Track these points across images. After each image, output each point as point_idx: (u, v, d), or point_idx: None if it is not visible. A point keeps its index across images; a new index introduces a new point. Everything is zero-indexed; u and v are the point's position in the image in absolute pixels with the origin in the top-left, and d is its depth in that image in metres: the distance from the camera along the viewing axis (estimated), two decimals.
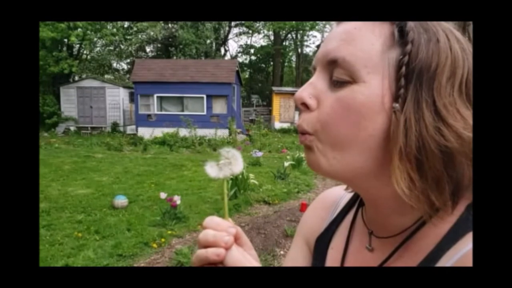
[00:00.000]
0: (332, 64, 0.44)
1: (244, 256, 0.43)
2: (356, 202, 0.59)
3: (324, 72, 0.46)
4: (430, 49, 0.40)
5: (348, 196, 0.61)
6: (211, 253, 0.41)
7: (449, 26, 0.42)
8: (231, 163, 0.46)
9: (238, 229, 0.44)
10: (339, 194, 0.64)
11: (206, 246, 0.42)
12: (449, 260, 0.41)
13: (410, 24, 0.41)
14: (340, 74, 0.43)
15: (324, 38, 0.48)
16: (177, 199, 4.79)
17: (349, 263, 0.54)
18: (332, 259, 0.56)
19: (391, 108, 0.41)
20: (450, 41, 0.41)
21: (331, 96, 0.44)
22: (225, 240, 0.41)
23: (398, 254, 0.47)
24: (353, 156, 0.43)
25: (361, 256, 0.52)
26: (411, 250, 0.45)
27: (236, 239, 0.44)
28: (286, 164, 7.48)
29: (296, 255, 0.65)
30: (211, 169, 0.46)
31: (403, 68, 0.40)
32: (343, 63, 0.42)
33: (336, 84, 0.44)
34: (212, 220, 0.43)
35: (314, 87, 0.46)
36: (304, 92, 0.46)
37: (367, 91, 0.41)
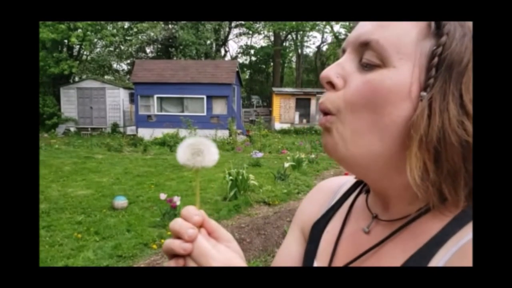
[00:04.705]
0: (363, 46, 0.44)
1: (218, 249, 0.41)
2: (355, 190, 0.59)
3: (354, 54, 0.46)
4: (464, 44, 0.40)
5: (347, 185, 0.61)
6: (177, 246, 0.40)
7: None
8: (203, 153, 0.43)
9: (213, 222, 0.43)
10: (339, 183, 0.64)
11: (175, 235, 0.41)
12: (456, 244, 0.40)
13: None
14: (371, 57, 0.43)
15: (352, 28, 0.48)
16: (177, 200, 4.78)
17: (342, 245, 0.54)
18: (326, 242, 0.56)
19: (418, 96, 0.41)
20: None
21: (359, 77, 0.44)
22: (189, 233, 0.39)
23: (396, 236, 0.46)
24: (372, 141, 0.43)
25: (356, 238, 0.52)
26: (412, 232, 0.45)
27: (211, 233, 0.42)
28: (286, 165, 7.48)
29: (290, 242, 0.65)
30: (182, 154, 0.43)
31: (436, 59, 0.40)
32: (376, 45, 0.43)
33: (366, 67, 0.44)
34: (184, 210, 0.42)
35: (342, 67, 0.46)
36: (331, 71, 0.46)
37: (396, 77, 0.42)
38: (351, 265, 0.49)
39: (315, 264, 0.56)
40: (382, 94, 0.42)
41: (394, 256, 0.45)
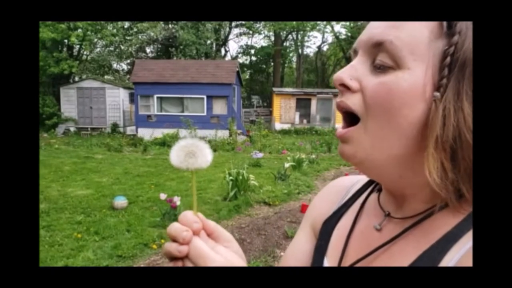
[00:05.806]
0: (376, 47, 0.44)
1: (217, 250, 0.41)
2: (367, 188, 0.59)
3: (367, 56, 0.46)
4: None
5: (359, 184, 0.62)
6: (174, 249, 0.40)
7: None
8: (196, 155, 0.42)
9: (211, 223, 0.43)
10: (351, 181, 0.64)
11: (171, 239, 0.41)
12: (470, 240, 0.40)
13: None
14: (384, 58, 0.43)
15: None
16: (177, 200, 4.78)
17: (353, 242, 0.54)
18: (337, 238, 0.56)
19: (432, 97, 0.41)
20: None
21: (373, 80, 0.44)
22: (183, 236, 0.40)
23: (409, 233, 0.46)
24: (390, 144, 0.44)
25: (368, 235, 0.52)
26: (425, 229, 0.45)
27: (210, 234, 0.43)
28: (287, 165, 7.47)
29: (300, 238, 0.65)
30: (176, 157, 0.42)
31: (448, 58, 0.40)
32: (390, 46, 0.42)
33: (379, 68, 0.44)
34: (182, 215, 0.42)
35: (355, 69, 0.46)
36: (344, 73, 0.46)
37: (411, 79, 0.42)
38: (362, 261, 0.49)
39: (325, 260, 0.56)
40: (399, 96, 0.42)
41: (406, 252, 0.45)
